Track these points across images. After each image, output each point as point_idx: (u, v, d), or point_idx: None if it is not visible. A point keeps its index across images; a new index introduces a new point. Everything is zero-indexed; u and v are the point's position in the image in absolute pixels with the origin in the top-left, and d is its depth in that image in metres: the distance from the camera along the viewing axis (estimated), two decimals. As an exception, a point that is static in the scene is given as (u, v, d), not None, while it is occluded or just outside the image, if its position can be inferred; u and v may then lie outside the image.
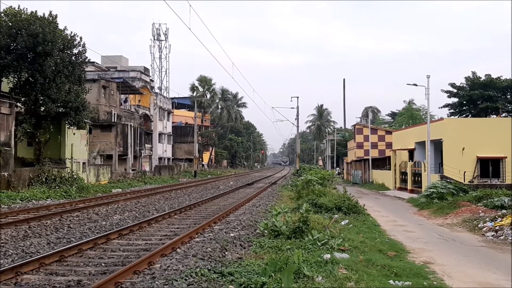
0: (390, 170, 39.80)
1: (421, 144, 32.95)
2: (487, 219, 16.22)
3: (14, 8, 26.18)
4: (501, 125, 30.48)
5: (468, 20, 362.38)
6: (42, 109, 27.39)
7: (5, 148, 24.87)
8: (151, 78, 65.27)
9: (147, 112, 57.34)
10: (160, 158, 60.81)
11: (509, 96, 48.21)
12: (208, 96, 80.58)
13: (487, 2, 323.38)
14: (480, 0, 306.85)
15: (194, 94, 77.20)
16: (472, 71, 48.85)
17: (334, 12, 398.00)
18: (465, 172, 28.10)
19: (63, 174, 27.81)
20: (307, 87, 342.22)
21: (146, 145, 52.68)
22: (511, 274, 9.47)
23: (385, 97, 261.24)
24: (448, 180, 25.66)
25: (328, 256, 9.65)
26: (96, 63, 54.09)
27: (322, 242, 11.03)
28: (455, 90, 49.69)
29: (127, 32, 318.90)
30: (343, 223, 15.13)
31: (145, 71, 59.87)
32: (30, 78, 26.15)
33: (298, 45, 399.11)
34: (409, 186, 33.97)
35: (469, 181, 27.80)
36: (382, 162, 45.52)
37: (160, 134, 61.34)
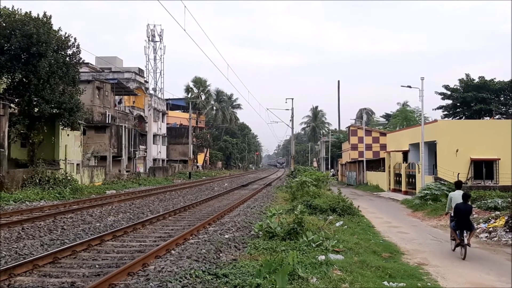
0: (384, 171, 39.90)
1: (415, 145, 33.07)
2: (481, 220, 16.32)
3: (8, 9, 26.07)
4: (495, 127, 30.66)
5: (462, 20, 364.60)
6: (36, 110, 27.27)
7: (-1, 149, 24.73)
8: (145, 79, 65.14)
9: (142, 113, 57.22)
10: (154, 160, 60.66)
11: (502, 98, 48.56)
12: (203, 97, 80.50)
13: (481, 3, 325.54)
14: (474, 0, 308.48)
15: (189, 96, 77.08)
16: (465, 73, 49.40)
17: (328, 12, 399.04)
18: (458, 173, 28.17)
19: (56, 175, 27.68)
20: (302, 88, 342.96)
21: (141, 147, 52.56)
22: (511, 275, 9.54)
23: (379, 98, 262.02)
24: (442, 182, 25.73)
25: (323, 257, 9.67)
26: (91, 64, 53.89)
27: (317, 243, 11.05)
28: (449, 92, 50.01)
29: (121, 32, 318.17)
30: (337, 224, 15.15)
31: (140, 72, 59.73)
32: (24, 79, 26.05)
33: (293, 46, 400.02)
34: (403, 188, 34.07)
35: (463, 183, 27.91)
36: (376, 164, 45.63)
37: (154, 135, 61.20)
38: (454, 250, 11.97)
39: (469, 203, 11.91)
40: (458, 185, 13.02)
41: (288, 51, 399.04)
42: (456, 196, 12.12)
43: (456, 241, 11.67)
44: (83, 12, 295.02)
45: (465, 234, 11.36)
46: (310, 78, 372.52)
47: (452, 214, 11.89)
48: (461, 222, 11.45)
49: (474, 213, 18.31)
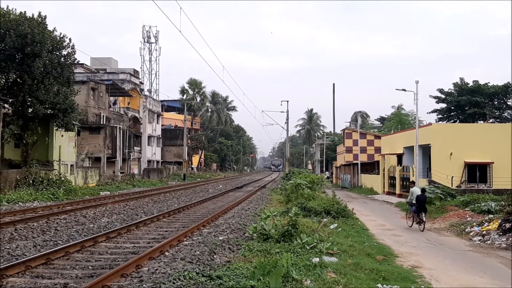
0: (378, 174, 39.98)
1: (410, 149, 33.21)
2: (474, 223, 16.38)
3: (3, 9, 25.94)
4: (489, 131, 30.85)
5: (456, 25, 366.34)
6: (30, 111, 27.12)
7: (-8, 150, 24.58)
8: (140, 80, 65.00)
9: (137, 114, 57.08)
10: (149, 161, 60.51)
11: (496, 102, 48.86)
12: (198, 99, 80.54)
13: (474, 7, 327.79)
14: (468, 0, 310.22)
15: (184, 97, 77.10)
16: (460, 77, 49.58)
17: (322, 16, 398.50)
18: (452, 177, 28.34)
19: (50, 176, 27.53)
20: (297, 91, 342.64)
21: (135, 148, 52.42)
22: (511, 277, 9.59)
23: (374, 101, 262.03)
24: (436, 185, 25.87)
25: (317, 259, 9.67)
26: (85, 64, 53.73)
27: (311, 245, 11.04)
28: (443, 96, 50.27)
29: (116, 34, 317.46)
30: (332, 227, 15.16)
31: (135, 73, 59.60)
32: (18, 79, 25.90)
33: (287, 50, 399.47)
34: (397, 191, 34.13)
35: (457, 186, 28.05)
36: (371, 167, 45.73)
37: (149, 137, 61.07)
38: (411, 226, 17.56)
39: (425, 194, 18.00)
40: (414, 182, 20.47)
41: (282, 55, 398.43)
42: (416, 190, 17.80)
43: (416, 220, 17.33)
44: (76, 14, 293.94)
45: (423, 215, 17.10)
46: (305, 81, 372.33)
47: (414, 202, 17.37)
48: (421, 207, 17.17)
49: (468, 216, 18.54)
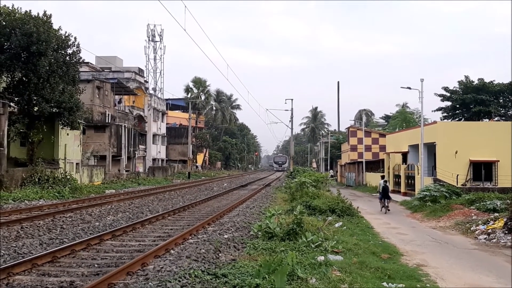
0: (383, 172, 39.89)
1: (415, 147, 33.08)
2: (480, 222, 16.32)
3: (8, 7, 26.05)
4: (494, 129, 30.66)
5: (456, 23, 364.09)
6: (35, 109, 27.24)
7: (-2, 148, 24.69)
8: (145, 79, 65.13)
9: (141, 113, 57.21)
10: (154, 159, 60.66)
11: (501, 100, 48.58)
12: (203, 97, 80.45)
13: (473, 6, 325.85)
14: (467, 0, 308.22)
15: (189, 96, 77.06)
16: (465, 75, 49.24)
17: (322, 14, 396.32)
18: (458, 175, 28.22)
19: (56, 175, 27.66)
20: (301, 89, 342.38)
21: (140, 146, 52.55)
22: (511, 276, 9.56)
23: (377, 99, 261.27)
24: (441, 183, 25.76)
25: (322, 258, 9.67)
26: (91, 63, 53.89)
27: (316, 244, 11.04)
28: (448, 94, 50.00)
29: (120, 33, 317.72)
30: (336, 225, 15.16)
31: (140, 72, 59.72)
32: (23, 78, 26.02)
33: (289, 48, 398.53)
34: (402, 189, 34.08)
35: (462, 184, 27.92)
36: (375, 165, 45.63)
37: (154, 135, 61.20)
38: (381, 210, 22.39)
39: (388, 185, 22.96)
40: (382, 177, 24.39)
41: (284, 53, 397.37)
42: (382, 182, 22.73)
43: (382, 205, 22.58)
44: (79, 14, 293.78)
45: (386, 201, 22.42)
46: (308, 79, 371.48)
47: (380, 191, 22.69)
48: (385, 195, 22.43)
49: (473, 215, 18.50)
